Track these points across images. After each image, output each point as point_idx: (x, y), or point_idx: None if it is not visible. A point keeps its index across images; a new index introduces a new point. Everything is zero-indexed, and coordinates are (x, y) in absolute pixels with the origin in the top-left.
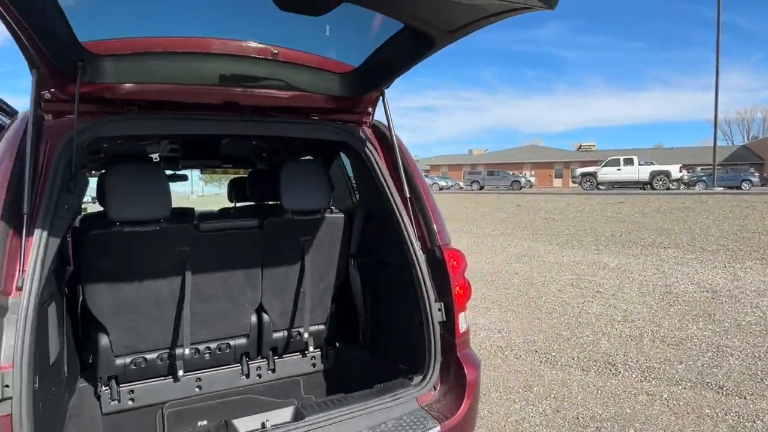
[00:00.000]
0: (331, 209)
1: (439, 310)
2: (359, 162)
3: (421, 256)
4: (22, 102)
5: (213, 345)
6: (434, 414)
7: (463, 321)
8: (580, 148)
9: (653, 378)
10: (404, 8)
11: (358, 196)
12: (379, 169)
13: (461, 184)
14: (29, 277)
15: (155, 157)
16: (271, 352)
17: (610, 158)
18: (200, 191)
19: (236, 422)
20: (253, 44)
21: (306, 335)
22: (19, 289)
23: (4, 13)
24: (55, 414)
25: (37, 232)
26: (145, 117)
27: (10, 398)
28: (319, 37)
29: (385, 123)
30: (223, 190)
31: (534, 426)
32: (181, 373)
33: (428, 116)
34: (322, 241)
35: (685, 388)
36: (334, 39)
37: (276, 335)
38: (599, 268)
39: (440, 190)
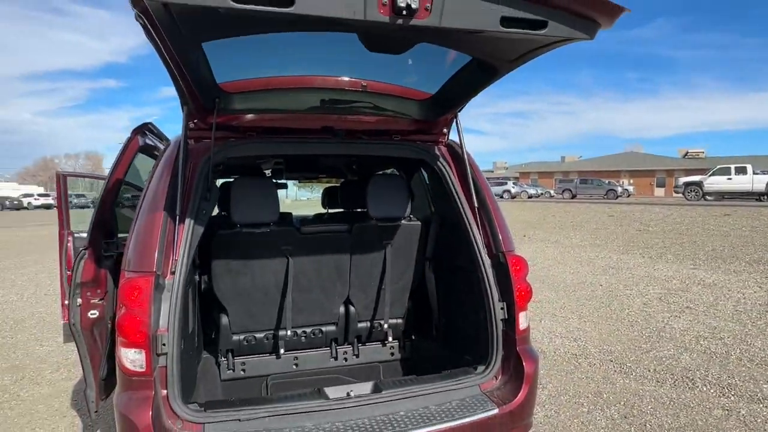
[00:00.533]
0: (410, 217)
1: (502, 308)
2: (434, 176)
3: (487, 261)
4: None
5: (308, 330)
6: (494, 399)
7: (523, 319)
8: (686, 155)
9: (733, 394)
10: (471, 44)
11: (433, 207)
12: (452, 182)
13: (552, 192)
14: (179, 265)
15: (268, 171)
16: (356, 340)
17: (719, 166)
18: (294, 196)
19: (327, 390)
20: (346, 79)
21: (386, 327)
22: (172, 273)
23: (172, 66)
24: (190, 374)
25: (184, 230)
26: (262, 140)
27: (166, 354)
28: (400, 70)
29: (458, 141)
30: (314, 195)
31: (599, 428)
32: (282, 351)
33: (520, 122)
34: (401, 245)
35: (766, 407)
36: (414, 71)
37: (360, 325)
38: (693, 284)
39: (529, 198)
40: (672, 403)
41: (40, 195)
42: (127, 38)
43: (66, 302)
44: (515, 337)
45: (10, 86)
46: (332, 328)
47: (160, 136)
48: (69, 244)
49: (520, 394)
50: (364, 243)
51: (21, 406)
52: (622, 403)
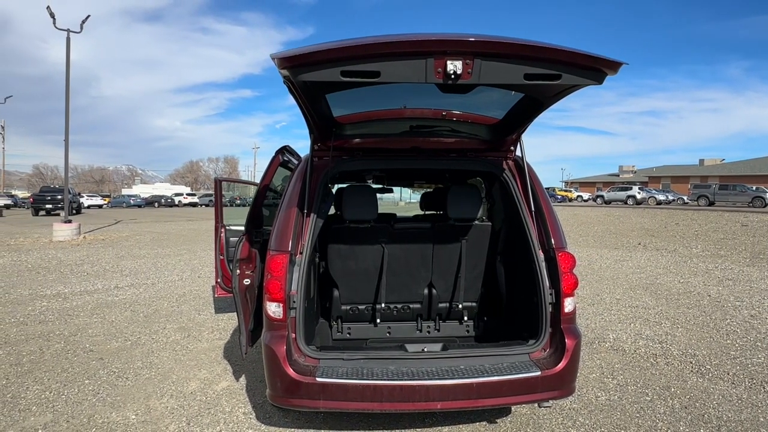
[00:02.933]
0: (482, 219)
1: (551, 294)
2: (501, 186)
3: (540, 256)
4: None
5: (399, 305)
6: (539, 365)
7: (569, 304)
8: None
9: None
10: (518, 88)
11: (503, 211)
12: (515, 191)
13: (685, 198)
14: (306, 248)
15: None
16: (437, 317)
17: None
18: (408, 199)
19: (407, 345)
20: (429, 109)
21: (461, 307)
22: (301, 253)
23: (305, 110)
24: (310, 328)
25: (309, 223)
26: (366, 158)
27: (295, 308)
28: (472, 102)
29: (521, 156)
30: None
31: (657, 413)
32: (378, 321)
33: (653, 121)
34: (475, 241)
35: None
36: (483, 103)
37: (441, 305)
38: None
39: (657, 204)
40: (740, 401)
41: (188, 194)
42: (261, 51)
43: (219, 281)
44: (561, 318)
45: (165, 98)
46: (418, 305)
47: (294, 154)
48: (222, 235)
49: (561, 363)
50: (444, 238)
51: (189, 355)
52: (688, 397)
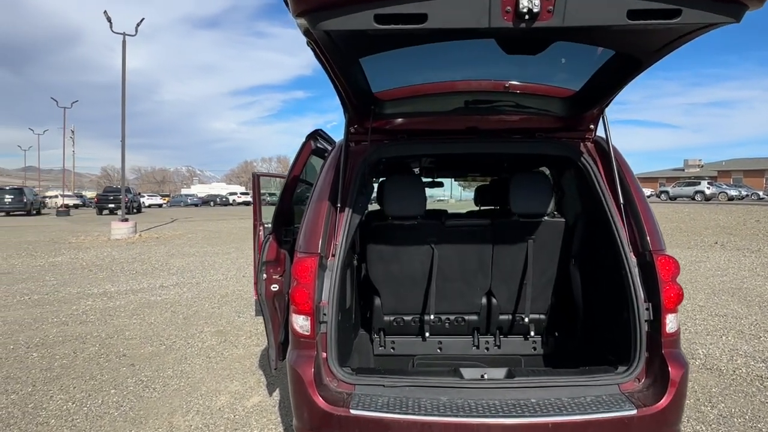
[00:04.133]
0: (553, 214)
1: (647, 309)
2: (579, 173)
3: (632, 260)
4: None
5: (451, 317)
6: (633, 400)
7: (672, 322)
8: None
9: None
10: (609, 39)
11: (580, 204)
12: (597, 179)
13: (761, 194)
14: (339, 249)
15: (417, 169)
16: (497, 331)
17: None
18: (459, 196)
19: (463, 370)
20: (489, 81)
21: (527, 321)
22: (333, 255)
23: (336, 80)
24: (346, 343)
25: (344, 219)
26: (412, 142)
27: (326, 322)
28: (542, 69)
29: (605, 137)
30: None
31: None
32: (427, 334)
33: (720, 112)
34: (544, 241)
35: None
36: (556, 69)
37: (502, 317)
38: None
39: (729, 200)
40: None
41: (242, 193)
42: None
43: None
44: (661, 340)
45: (221, 101)
46: (474, 317)
47: (329, 141)
48: (260, 233)
49: (663, 399)
50: (506, 237)
51: (223, 363)
52: None
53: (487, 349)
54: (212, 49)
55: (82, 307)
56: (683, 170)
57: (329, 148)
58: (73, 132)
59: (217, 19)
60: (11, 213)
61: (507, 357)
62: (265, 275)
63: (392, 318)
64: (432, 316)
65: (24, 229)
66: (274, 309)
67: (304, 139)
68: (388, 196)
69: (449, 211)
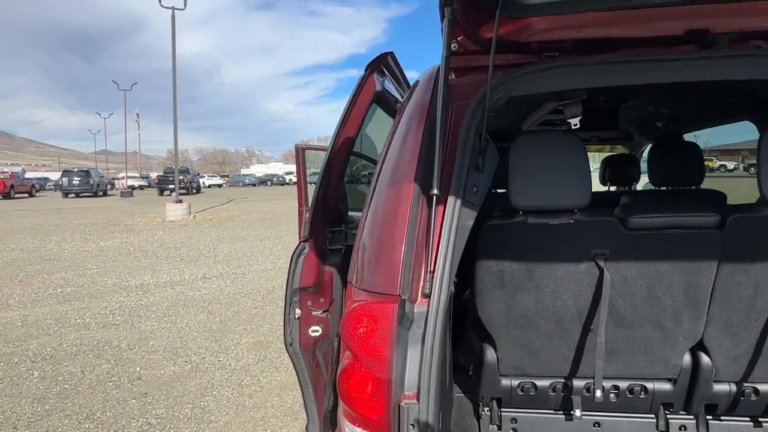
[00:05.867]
0: None
1: None
2: None
3: None
4: None
5: (623, 384)
6: None
7: None
8: None
9: None
10: None
11: None
12: None
13: None
14: (438, 280)
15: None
16: (704, 410)
17: None
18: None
19: None
20: None
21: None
22: (426, 296)
23: None
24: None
25: (446, 221)
26: (571, 64)
27: None
28: None
29: None
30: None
31: None
32: (577, 412)
33: None
34: None
35: None
36: None
37: (718, 387)
38: None
39: None
40: None
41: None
42: (367, 30)
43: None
44: None
45: (278, 82)
46: (666, 386)
47: (400, 81)
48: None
49: None
50: (748, 248)
51: (258, 395)
52: None
53: None
54: (267, 30)
55: (112, 305)
56: None
57: (399, 96)
58: (138, 115)
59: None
60: (80, 194)
61: None
62: (298, 311)
63: (516, 383)
64: (591, 382)
65: (86, 211)
66: (316, 364)
67: (363, 73)
68: (520, 172)
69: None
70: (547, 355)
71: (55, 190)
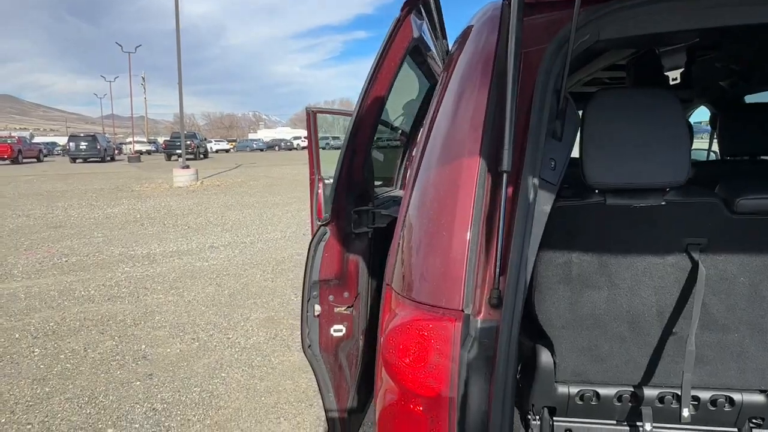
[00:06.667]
0: None
1: None
2: None
3: None
4: None
5: (705, 395)
6: None
7: None
8: None
9: None
10: None
11: None
12: None
13: None
14: (512, 285)
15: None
16: None
17: None
18: None
19: None
20: None
21: None
22: (494, 306)
23: None
24: None
25: (520, 207)
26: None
27: None
28: None
29: None
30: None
31: None
32: (647, 426)
33: None
34: None
35: None
36: None
37: None
38: None
39: None
40: None
41: (305, 137)
42: None
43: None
44: None
45: (284, 45)
46: (758, 397)
47: (436, 27)
48: (320, 191)
49: None
50: None
51: (270, 378)
52: None
53: None
54: None
55: (118, 275)
56: None
57: (437, 53)
58: (143, 79)
59: None
60: (87, 160)
61: None
62: (318, 308)
63: (575, 390)
64: (663, 392)
65: (94, 176)
66: (339, 367)
67: (398, 15)
68: (595, 141)
69: None
70: (616, 360)
71: (63, 155)
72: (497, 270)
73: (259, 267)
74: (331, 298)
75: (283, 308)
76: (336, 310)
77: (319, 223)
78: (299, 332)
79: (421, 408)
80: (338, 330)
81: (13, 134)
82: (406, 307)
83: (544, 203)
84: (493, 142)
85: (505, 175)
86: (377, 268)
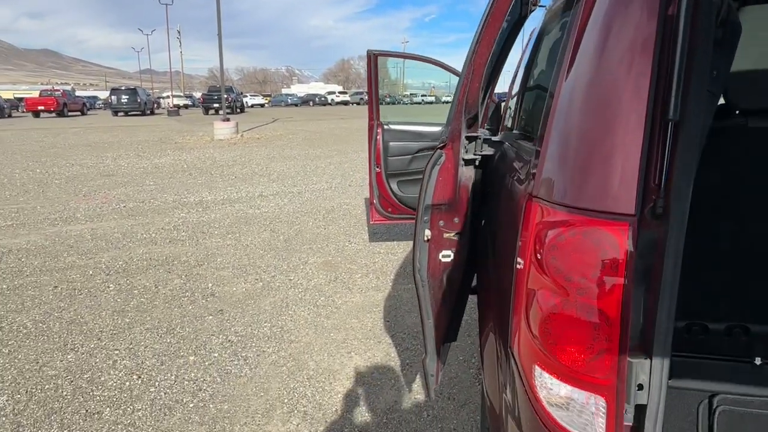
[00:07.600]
0: None
1: None
2: None
3: None
4: None
5: None
6: None
7: None
8: None
9: None
10: None
11: None
12: None
13: None
14: (677, 194)
15: None
16: None
17: None
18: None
19: None
20: None
21: None
22: (657, 217)
23: None
24: None
25: (687, 113)
26: None
27: (646, 405)
28: None
29: None
30: None
31: None
32: (757, 360)
33: None
34: None
35: None
36: None
37: None
38: None
39: None
40: None
41: (339, 92)
42: None
43: (375, 201)
44: None
45: None
46: None
47: None
48: (378, 137)
49: None
50: None
51: (335, 318)
52: None
53: None
54: None
55: (175, 220)
56: None
57: None
58: (179, 32)
59: None
60: (128, 113)
61: None
62: (428, 233)
63: (683, 324)
64: None
65: (137, 129)
66: (442, 294)
67: None
68: (742, 56)
69: None
70: (732, 296)
71: (105, 109)
72: (663, 179)
73: (310, 215)
74: (441, 223)
75: (340, 253)
76: (445, 235)
77: (438, 144)
78: (358, 275)
79: (590, 317)
80: (446, 256)
81: (56, 88)
82: (559, 213)
83: (707, 115)
84: (668, 36)
85: (675, 87)
86: (478, 199)
